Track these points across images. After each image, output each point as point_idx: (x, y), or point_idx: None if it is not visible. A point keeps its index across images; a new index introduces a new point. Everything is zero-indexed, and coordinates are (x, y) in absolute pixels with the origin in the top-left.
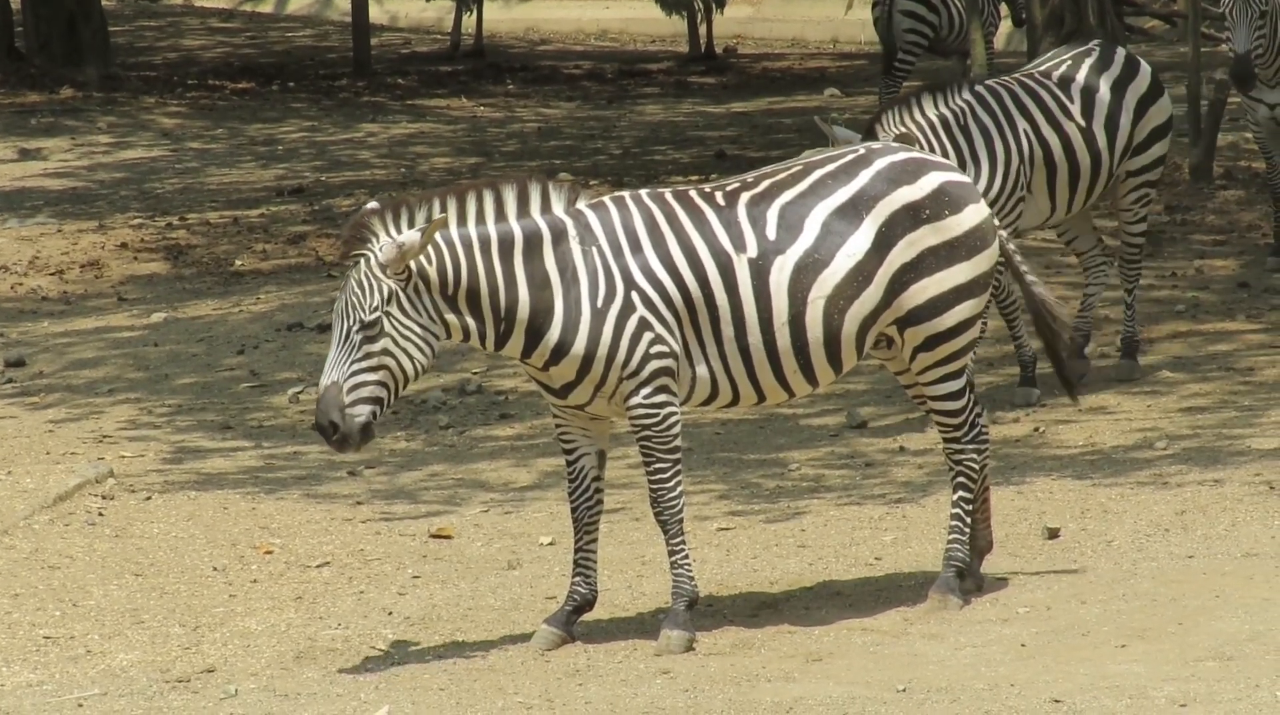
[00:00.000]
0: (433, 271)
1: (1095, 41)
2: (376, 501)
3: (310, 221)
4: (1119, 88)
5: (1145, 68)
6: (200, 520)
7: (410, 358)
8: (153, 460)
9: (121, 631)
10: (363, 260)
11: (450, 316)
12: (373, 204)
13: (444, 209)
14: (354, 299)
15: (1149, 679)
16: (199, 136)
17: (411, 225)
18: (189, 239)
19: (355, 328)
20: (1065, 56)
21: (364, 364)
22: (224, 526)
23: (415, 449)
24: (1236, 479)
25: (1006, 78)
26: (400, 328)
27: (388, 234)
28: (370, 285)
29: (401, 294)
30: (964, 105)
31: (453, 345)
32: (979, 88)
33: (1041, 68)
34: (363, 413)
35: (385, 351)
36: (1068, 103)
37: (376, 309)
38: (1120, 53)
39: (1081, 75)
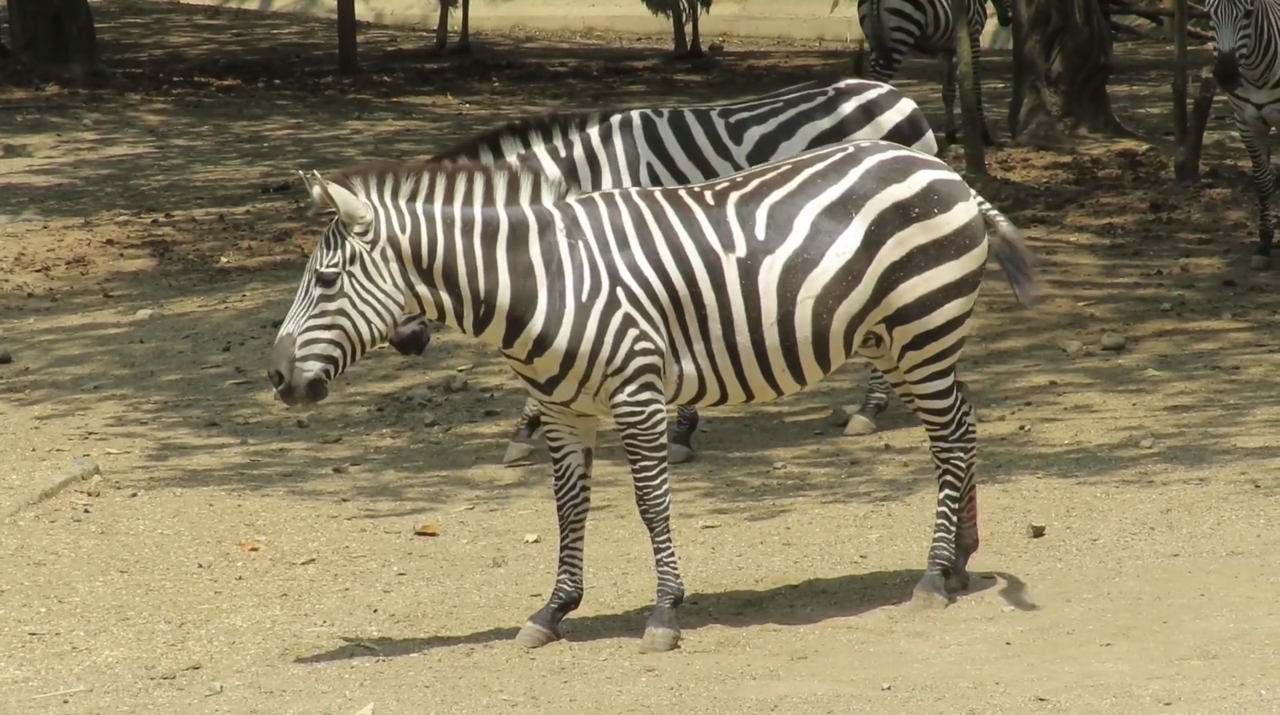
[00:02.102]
0: (405, 241)
1: (846, 82)
2: (361, 499)
3: (295, 219)
4: (832, 134)
5: (891, 117)
6: (186, 517)
7: (368, 322)
8: (138, 457)
9: (107, 628)
10: (334, 218)
11: (423, 289)
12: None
13: (432, 183)
14: (318, 253)
15: (1134, 677)
16: (184, 133)
17: (396, 193)
18: (174, 236)
19: (314, 282)
20: (784, 96)
21: (320, 321)
22: (209, 523)
23: (400, 446)
24: (1221, 477)
25: (662, 110)
26: (360, 290)
27: (367, 196)
28: (334, 242)
29: (366, 257)
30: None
31: (437, 342)
32: (614, 118)
33: (738, 104)
34: (312, 369)
35: (341, 311)
36: (730, 143)
37: (336, 267)
38: (860, 99)
39: (779, 119)
